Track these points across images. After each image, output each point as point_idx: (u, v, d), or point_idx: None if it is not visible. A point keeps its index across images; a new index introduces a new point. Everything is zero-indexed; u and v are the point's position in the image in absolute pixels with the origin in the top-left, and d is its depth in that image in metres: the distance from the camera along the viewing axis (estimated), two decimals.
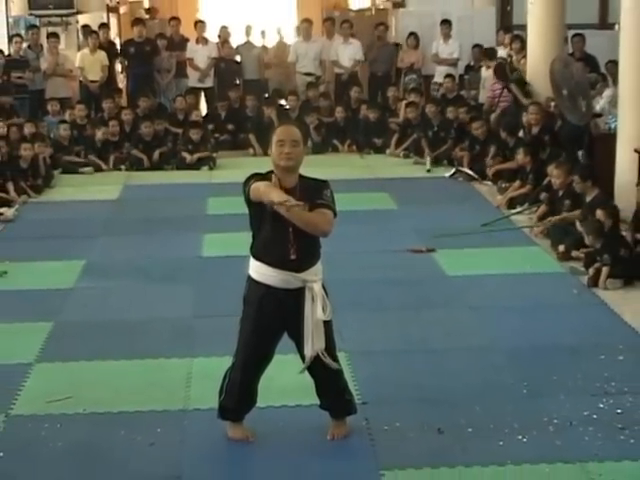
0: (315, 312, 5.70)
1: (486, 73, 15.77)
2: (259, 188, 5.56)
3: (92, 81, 16.29)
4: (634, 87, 10.84)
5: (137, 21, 17.54)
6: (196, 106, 16.64)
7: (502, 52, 16.31)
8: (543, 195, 11.33)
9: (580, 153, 11.85)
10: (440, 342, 7.73)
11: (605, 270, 8.94)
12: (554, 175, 10.70)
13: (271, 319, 5.79)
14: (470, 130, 14.05)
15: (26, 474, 5.75)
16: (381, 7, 20.17)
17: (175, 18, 18.08)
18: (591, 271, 9.09)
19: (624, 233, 9.55)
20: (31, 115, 15.57)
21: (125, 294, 9.08)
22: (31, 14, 17.54)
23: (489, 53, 15.96)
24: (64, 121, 15.01)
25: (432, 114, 14.84)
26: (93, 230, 11.32)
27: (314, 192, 5.70)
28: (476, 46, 16.56)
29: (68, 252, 10.35)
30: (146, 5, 22.12)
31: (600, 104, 13.10)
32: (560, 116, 12.66)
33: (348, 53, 16.86)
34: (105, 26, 17.40)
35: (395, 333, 7.92)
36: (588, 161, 11.70)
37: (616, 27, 13.78)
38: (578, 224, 9.85)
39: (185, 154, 14.68)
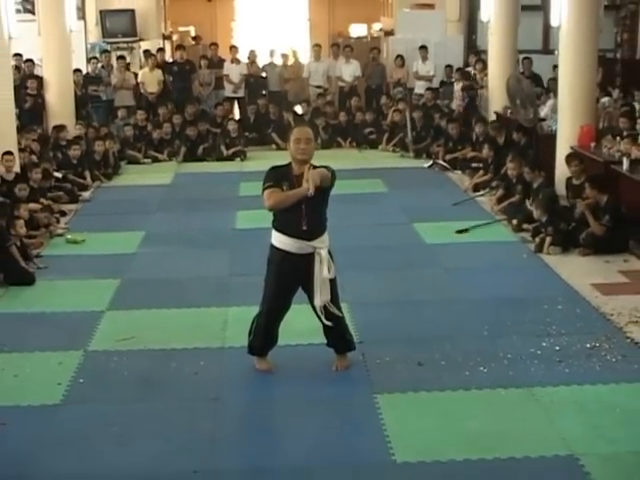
0: (322, 272, 5.70)
1: (457, 86, 15.65)
2: (282, 201, 5.59)
3: (150, 93, 16.18)
4: (570, 99, 10.81)
5: (178, 47, 17.45)
6: (231, 111, 16.63)
7: (471, 71, 16.18)
8: (495, 182, 11.29)
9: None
10: (420, 295, 7.71)
11: (548, 239, 8.91)
12: (510, 167, 10.64)
13: (288, 277, 5.78)
14: (446, 129, 13.94)
15: (101, 396, 5.78)
16: (375, 35, 20.18)
17: (214, 43, 17.97)
18: (537, 240, 9.06)
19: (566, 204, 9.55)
20: (104, 119, 15.56)
21: (176, 257, 9.07)
22: (104, 41, 17.51)
23: (462, 72, 15.84)
24: (129, 124, 14.97)
25: (417, 118, 14.73)
26: (151, 208, 11.28)
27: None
28: (448, 66, 16.38)
29: (131, 225, 10.33)
30: (192, 34, 22.00)
31: (544, 111, 12.98)
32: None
33: (349, 70, 16.74)
34: (161, 50, 17.32)
35: (385, 288, 7.90)
36: (535, 155, 11.64)
37: (556, 52, 13.65)
38: (528, 203, 9.81)
39: (222, 149, 14.62)
